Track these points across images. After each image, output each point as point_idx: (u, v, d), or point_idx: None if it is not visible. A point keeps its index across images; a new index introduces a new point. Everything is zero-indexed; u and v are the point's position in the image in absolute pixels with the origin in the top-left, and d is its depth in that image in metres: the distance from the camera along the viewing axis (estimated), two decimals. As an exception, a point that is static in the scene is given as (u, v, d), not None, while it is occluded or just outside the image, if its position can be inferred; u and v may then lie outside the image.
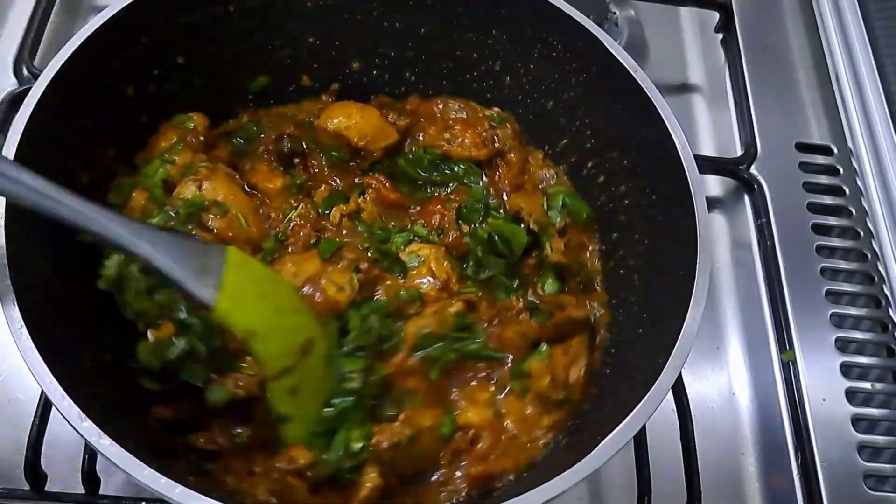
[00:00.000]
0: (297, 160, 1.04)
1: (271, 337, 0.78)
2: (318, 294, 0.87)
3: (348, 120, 1.02)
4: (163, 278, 0.74)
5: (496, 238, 0.97)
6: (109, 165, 0.93)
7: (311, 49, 1.06)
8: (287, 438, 0.81)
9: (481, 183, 1.06)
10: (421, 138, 1.08)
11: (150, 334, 0.83)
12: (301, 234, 0.97)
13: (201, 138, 0.97)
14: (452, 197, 1.05)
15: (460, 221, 1.01)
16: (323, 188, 1.02)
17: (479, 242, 0.98)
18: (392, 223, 1.02)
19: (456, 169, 1.06)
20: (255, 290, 0.80)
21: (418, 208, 1.04)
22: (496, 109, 1.08)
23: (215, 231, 0.89)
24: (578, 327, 0.94)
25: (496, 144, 1.06)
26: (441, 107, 1.09)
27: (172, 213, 0.88)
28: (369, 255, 0.95)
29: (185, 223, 0.88)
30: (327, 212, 1.00)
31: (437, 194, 1.06)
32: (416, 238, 1.00)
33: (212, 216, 0.89)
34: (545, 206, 1.03)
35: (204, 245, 0.81)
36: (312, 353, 0.81)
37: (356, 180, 1.04)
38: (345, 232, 0.99)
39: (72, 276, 0.85)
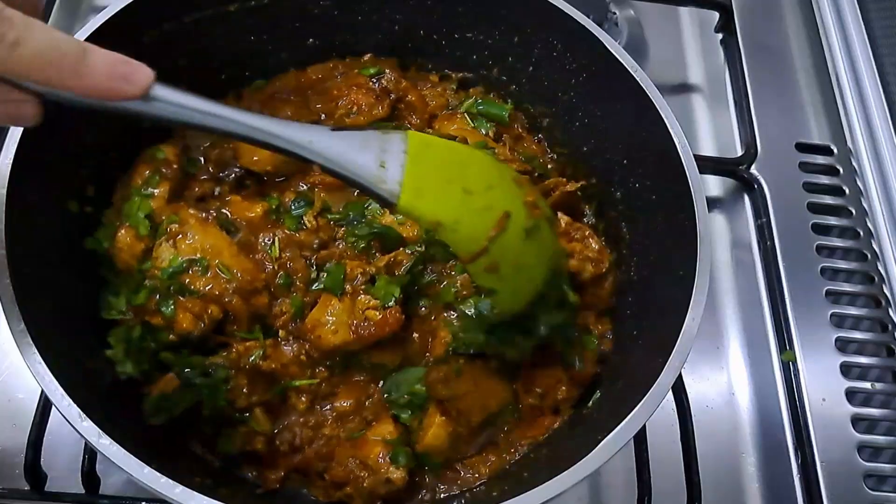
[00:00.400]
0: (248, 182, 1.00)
1: (460, 224, 0.73)
2: (371, 327, 0.86)
3: (250, 156, 0.98)
4: (342, 179, 0.70)
5: None
6: (110, 168, 0.93)
7: (311, 51, 1.06)
8: (494, 306, 0.82)
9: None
10: (323, 118, 1.04)
11: (153, 388, 0.84)
12: (297, 265, 0.92)
13: (175, 167, 0.94)
14: None
15: None
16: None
17: None
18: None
19: None
20: (441, 175, 0.74)
21: None
22: (368, 56, 1.06)
23: (204, 294, 0.85)
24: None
25: (391, 95, 1.03)
26: (320, 76, 1.06)
27: (157, 286, 0.85)
28: (364, 246, 0.93)
29: (170, 296, 0.85)
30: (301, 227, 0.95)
31: None
32: None
33: (194, 279, 0.85)
34: (470, 124, 1.03)
35: (381, 135, 0.73)
36: (509, 228, 0.75)
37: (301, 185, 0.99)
38: (321, 233, 0.95)
39: (73, 276, 0.85)
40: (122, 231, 0.89)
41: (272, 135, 0.67)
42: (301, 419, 0.89)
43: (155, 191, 0.91)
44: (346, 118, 1.01)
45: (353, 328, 0.86)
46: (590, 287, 0.96)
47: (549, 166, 1.07)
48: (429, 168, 0.73)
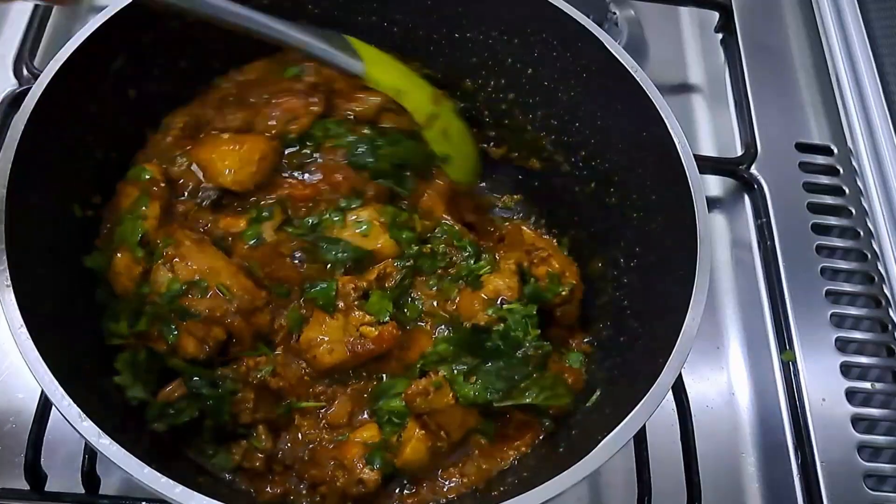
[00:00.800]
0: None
1: (413, 91, 0.94)
2: (367, 344, 0.86)
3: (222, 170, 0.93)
4: (318, 60, 0.91)
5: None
6: (111, 170, 0.93)
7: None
8: (453, 177, 0.99)
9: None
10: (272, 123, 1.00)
11: (159, 394, 0.84)
12: (287, 273, 0.91)
13: (162, 185, 0.92)
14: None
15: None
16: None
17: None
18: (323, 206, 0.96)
19: (318, 134, 0.99)
20: (383, 60, 0.95)
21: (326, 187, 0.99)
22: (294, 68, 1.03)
23: (206, 315, 0.84)
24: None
25: (320, 89, 1.00)
26: (256, 77, 1.01)
27: (158, 311, 0.85)
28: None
29: (172, 321, 0.84)
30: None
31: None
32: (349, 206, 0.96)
33: (194, 302, 0.84)
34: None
35: (331, 32, 0.93)
36: (443, 103, 0.97)
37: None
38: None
39: (73, 276, 0.85)
40: (119, 255, 0.87)
41: (264, 26, 0.84)
42: (301, 438, 0.88)
43: (145, 211, 0.89)
44: (291, 127, 0.97)
45: (349, 346, 0.86)
46: (559, 306, 0.96)
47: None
48: (376, 57, 0.93)
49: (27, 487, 0.89)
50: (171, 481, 0.63)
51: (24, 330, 0.68)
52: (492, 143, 1.11)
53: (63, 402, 0.65)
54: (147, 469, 0.63)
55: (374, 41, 1.05)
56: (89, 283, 0.87)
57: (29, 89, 0.81)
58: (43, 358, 0.67)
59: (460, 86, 1.07)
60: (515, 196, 1.13)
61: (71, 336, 0.79)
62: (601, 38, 0.93)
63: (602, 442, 0.71)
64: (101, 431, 0.64)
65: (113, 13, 0.87)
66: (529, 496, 0.68)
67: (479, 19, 1.01)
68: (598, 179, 1.01)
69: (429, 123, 0.96)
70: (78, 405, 0.65)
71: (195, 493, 0.63)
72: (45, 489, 0.89)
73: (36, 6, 1.24)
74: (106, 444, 0.64)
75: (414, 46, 1.06)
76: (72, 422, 0.65)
